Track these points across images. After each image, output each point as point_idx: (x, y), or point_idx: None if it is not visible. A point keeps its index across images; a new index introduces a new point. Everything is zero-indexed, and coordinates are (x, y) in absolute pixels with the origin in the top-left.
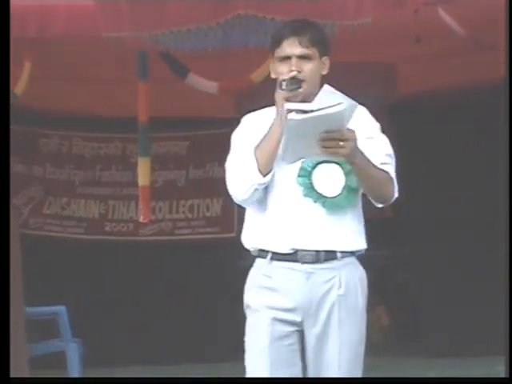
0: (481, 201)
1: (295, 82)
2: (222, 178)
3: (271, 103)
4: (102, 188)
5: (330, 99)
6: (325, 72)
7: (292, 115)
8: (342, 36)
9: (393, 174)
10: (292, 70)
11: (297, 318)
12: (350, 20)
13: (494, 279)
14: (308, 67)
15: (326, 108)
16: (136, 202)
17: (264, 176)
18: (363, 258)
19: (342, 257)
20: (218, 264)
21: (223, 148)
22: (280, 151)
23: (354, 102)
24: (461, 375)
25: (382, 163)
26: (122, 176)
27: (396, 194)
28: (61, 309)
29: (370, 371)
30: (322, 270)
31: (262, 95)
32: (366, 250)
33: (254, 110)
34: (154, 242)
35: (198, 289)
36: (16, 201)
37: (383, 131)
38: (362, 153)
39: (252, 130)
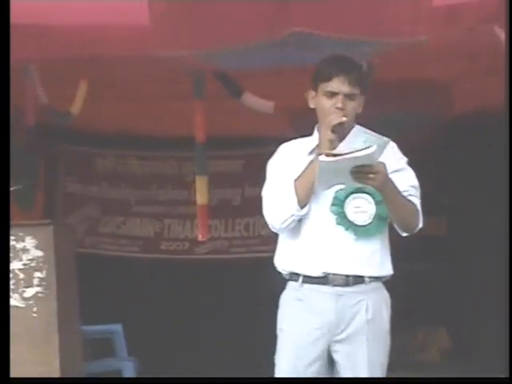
0: None
1: (342, 126)
2: None
3: None
4: (157, 207)
5: (360, 139)
6: (360, 111)
7: (322, 157)
8: (397, 54)
9: (418, 205)
10: (338, 108)
11: (326, 338)
12: (404, 38)
13: None
14: (351, 106)
15: (356, 151)
16: (191, 220)
17: (302, 208)
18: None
19: (370, 281)
20: (273, 282)
21: None
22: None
23: (385, 139)
24: None
25: (408, 195)
26: (178, 195)
27: (421, 225)
28: (117, 327)
29: None
30: (351, 294)
31: (316, 114)
32: (422, 268)
33: (303, 132)
34: (210, 261)
35: (254, 307)
36: (72, 220)
37: (437, 150)
38: (393, 184)
39: (288, 160)
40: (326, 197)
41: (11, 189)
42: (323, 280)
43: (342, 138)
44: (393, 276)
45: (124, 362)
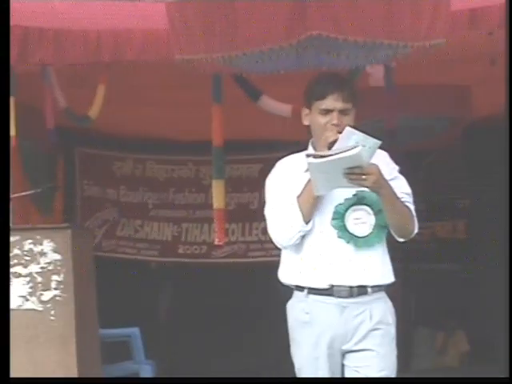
0: None
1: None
2: None
3: None
4: (175, 210)
5: (349, 141)
6: (352, 123)
7: (310, 159)
8: (415, 57)
9: (413, 211)
10: (333, 124)
11: (336, 348)
12: (423, 41)
13: None
14: (346, 120)
15: (342, 152)
16: (209, 224)
17: (307, 224)
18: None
19: (372, 292)
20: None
21: None
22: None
23: (376, 140)
24: None
25: (403, 201)
26: (196, 198)
27: (416, 230)
28: (134, 330)
29: None
30: (355, 304)
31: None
32: (442, 271)
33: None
34: (227, 265)
35: (271, 310)
36: (90, 223)
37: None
38: (389, 185)
39: (286, 178)
40: (328, 210)
41: (30, 192)
42: (328, 291)
43: None
44: (413, 279)
45: (142, 365)
